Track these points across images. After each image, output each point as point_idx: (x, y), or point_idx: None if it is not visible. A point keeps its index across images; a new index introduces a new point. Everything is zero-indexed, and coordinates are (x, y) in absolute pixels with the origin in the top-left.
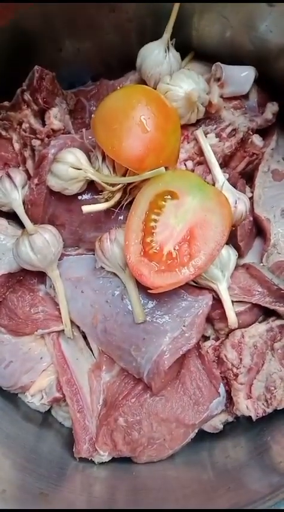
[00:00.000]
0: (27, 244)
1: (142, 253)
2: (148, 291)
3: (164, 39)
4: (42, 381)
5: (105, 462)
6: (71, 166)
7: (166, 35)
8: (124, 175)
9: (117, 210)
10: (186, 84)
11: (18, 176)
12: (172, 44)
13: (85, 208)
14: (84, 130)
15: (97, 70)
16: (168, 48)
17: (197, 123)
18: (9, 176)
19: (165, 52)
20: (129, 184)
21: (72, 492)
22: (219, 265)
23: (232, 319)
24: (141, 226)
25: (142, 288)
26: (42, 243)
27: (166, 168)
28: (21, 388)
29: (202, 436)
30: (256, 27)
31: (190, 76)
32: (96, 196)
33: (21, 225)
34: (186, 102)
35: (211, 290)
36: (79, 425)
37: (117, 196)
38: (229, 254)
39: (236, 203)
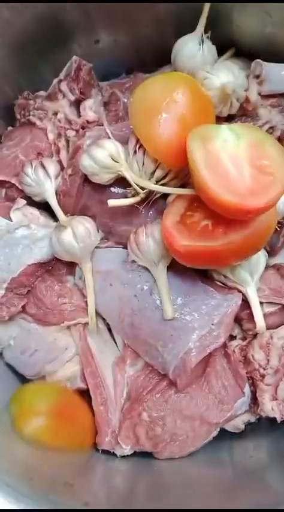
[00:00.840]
0: (70, 231)
1: (178, 220)
2: (174, 256)
3: (198, 32)
4: (66, 371)
5: (127, 455)
6: (109, 155)
7: (200, 27)
8: (154, 171)
9: (142, 207)
10: (224, 75)
11: (52, 166)
12: (207, 37)
13: (111, 202)
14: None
15: (132, 63)
16: (202, 41)
17: (232, 119)
18: (43, 166)
19: (199, 45)
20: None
21: (95, 483)
22: (248, 268)
23: (260, 324)
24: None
25: (172, 284)
26: (85, 231)
27: None
28: (44, 378)
29: (222, 434)
30: None
31: (231, 69)
32: (126, 190)
33: (53, 216)
34: (220, 93)
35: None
36: (102, 418)
37: (145, 192)
38: (258, 256)
39: None
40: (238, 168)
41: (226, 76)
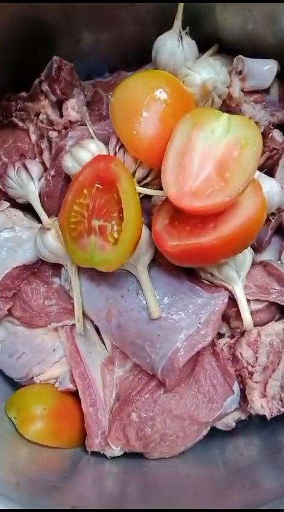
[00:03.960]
0: (54, 233)
1: (167, 223)
2: (167, 257)
3: (175, 29)
4: (54, 371)
5: (117, 457)
6: (92, 155)
7: (177, 23)
8: (134, 171)
9: None
10: (205, 72)
11: (35, 168)
12: (186, 32)
13: None
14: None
15: (115, 62)
16: (181, 37)
17: None
18: (25, 168)
19: (178, 41)
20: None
21: (84, 486)
22: (234, 265)
23: (247, 321)
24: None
25: (158, 284)
26: None
27: None
28: (32, 379)
29: (213, 433)
30: (279, 21)
31: (212, 65)
32: None
33: (37, 217)
34: (201, 90)
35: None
36: (91, 419)
37: None
38: (244, 254)
39: (283, 188)
40: (202, 165)
41: (207, 72)
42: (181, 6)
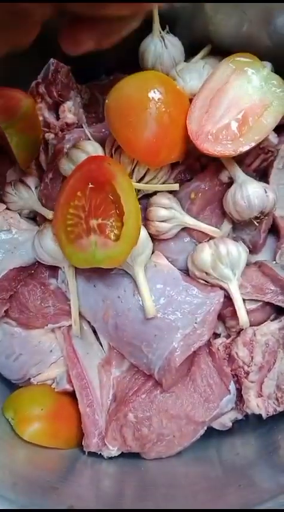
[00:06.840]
0: (52, 235)
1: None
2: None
3: (155, 31)
4: (51, 372)
5: (114, 457)
6: (88, 156)
7: (156, 26)
8: (131, 172)
9: None
10: (188, 77)
11: (31, 180)
12: (167, 32)
13: None
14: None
15: (112, 64)
16: (163, 38)
17: None
18: (22, 182)
19: (161, 42)
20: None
21: (81, 486)
22: (229, 263)
23: (243, 319)
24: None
25: (154, 284)
26: None
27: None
28: (29, 380)
29: (210, 433)
30: (274, 22)
31: (197, 71)
32: None
33: (33, 219)
34: None
35: (222, 288)
36: (88, 420)
37: None
38: (239, 252)
39: (266, 192)
40: (226, 111)
41: (189, 78)
42: (155, 8)
